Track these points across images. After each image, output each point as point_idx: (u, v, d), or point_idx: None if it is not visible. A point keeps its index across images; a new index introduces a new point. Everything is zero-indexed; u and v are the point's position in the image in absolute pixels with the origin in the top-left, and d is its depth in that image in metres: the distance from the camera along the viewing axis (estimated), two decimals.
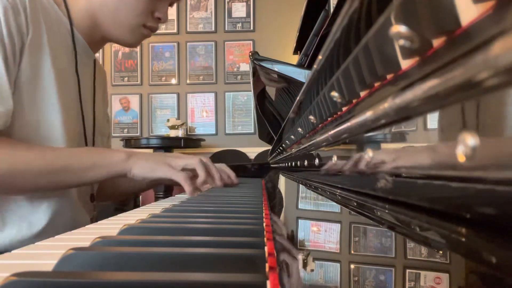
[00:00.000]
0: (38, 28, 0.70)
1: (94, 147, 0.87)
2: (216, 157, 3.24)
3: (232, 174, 0.94)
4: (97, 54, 0.94)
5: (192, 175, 0.79)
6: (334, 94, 0.26)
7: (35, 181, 0.67)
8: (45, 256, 0.29)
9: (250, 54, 0.97)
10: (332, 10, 0.73)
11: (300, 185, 0.59)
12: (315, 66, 0.31)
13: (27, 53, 0.68)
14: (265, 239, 0.28)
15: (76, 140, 0.80)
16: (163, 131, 3.43)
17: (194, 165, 0.79)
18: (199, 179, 0.79)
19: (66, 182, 0.70)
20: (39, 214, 0.72)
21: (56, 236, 0.37)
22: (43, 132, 0.72)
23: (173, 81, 3.51)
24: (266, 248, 0.25)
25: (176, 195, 0.94)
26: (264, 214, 0.42)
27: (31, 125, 0.70)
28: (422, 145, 0.16)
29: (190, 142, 3.23)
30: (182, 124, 3.33)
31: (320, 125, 0.36)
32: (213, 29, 3.51)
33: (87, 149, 0.78)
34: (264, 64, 0.89)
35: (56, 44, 0.74)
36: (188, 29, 3.52)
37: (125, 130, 3.53)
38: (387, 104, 0.17)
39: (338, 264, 0.27)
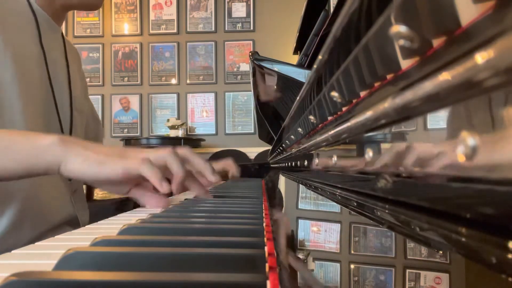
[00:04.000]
0: None
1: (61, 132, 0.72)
2: (216, 157, 3.24)
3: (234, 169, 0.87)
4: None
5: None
6: (334, 94, 0.26)
7: None
8: (45, 256, 0.29)
9: (250, 54, 0.97)
10: (332, 10, 0.73)
11: (300, 185, 0.59)
12: (315, 66, 0.31)
13: None
14: (265, 239, 0.28)
15: (45, 123, 0.73)
16: (163, 131, 3.43)
17: (164, 157, 0.55)
18: (175, 178, 0.55)
19: None
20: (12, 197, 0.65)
21: (56, 236, 0.37)
22: (6, 120, 0.64)
23: (173, 81, 3.51)
24: (266, 248, 0.25)
25: (176, 195, 0.94)
26: (264, 214, 0.42)
27: None
28: (422, 145, 0.16)
29: (190, 142, 3.24)
30: (182, 124, 3.33)
31: (320, 125, 0.36)
32: (213, 29, 3.51)
33: (5, 131, 0.57)
34: (264, 64, 0.89)
35: (9, 20, 0.68)
36: (188, 29, 3.52)
37: (125, 130, 3.53)
38: (387, 104, 0.17)
39: (338, 264, 0.27)
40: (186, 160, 0.59)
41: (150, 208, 0.57)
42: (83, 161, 0.51)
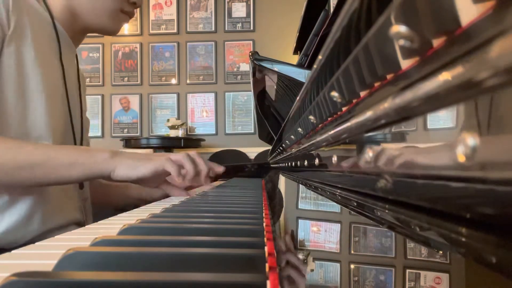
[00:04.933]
0: (21, 19, 0.70)
1: (79, 145, 0.85)
2: (216, 157, 3.24)
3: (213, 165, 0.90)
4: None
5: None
6: (334, 94, 0.26)
7: (10, 174, 0.64)
8: (45, 256, 0.29)
9: (250, 54, 0.97)
10: (332, 10, 0.73)
11: (300, 185, 0.59)
12: (315, 66, 0.31)
13: (9, 45, 0.68)
14: (265, 239, 0.28)
15: (62, 133, 0.79)
16: (163, 131, 3.43)
17: (180, 160, 0.76)
18: (188, 175, 0.76)
19: (44, 178, 0.67)
20: (23, 200, 0.71)
21: (56, 236, 0.37)
22: (29, 124, 0.71)
23: (173, 81, 3.51)
24: (266, 248, 0.25)
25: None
26: (264, 214, 0.42)
27: (15, 116, 0.70)
28: (422, 145, 0.16)
29: (190, 142, 3.24)
30: (182, 124, 3.33)
31: (320, 125, 0.36)
32: (213, 29, 3.51)
33: (69, 146, 0.76)
34: (264, 64, 0.89)
35: (39, 35, 0.74)
36: (188, 29, 3.52)
37: (125, 130, 3.53)
38: (387, 104, 0.17)
39: (338, 264, 0.27)
40: (195, 161, 0.79)
41: (174, 196, 0.83)
42: (126, 167, 0.71)
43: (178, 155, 0.77)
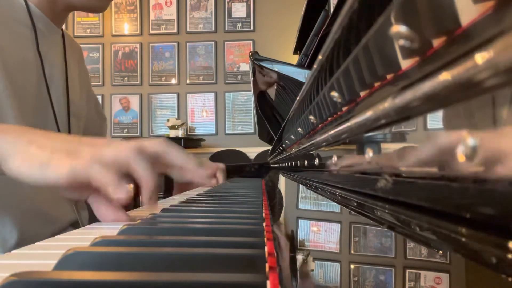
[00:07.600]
0: None
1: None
2: (216, 157, 3.24)
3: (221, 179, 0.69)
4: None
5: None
6: (334, 94, 0.26)
7: None
8: (45, 256, 0.29)
9: (250, 54, 0.97)
10: (332, 10, 0.73)
11: (300, 185, 0.59)
12: (315, 66, 0.31)
13: None
14: (265, 239, 0.28)
15: (38, 127, 0.67)
16: (163, 131, 3.43)
17: (125, 160, 0.40)
18: (144, 185, 0.42)
19: None
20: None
21: (56, 236, 0.37)
22: None
23: (173, 81, 3.52)
24: (266, 248, 0.25)
25: (175, 195, 0.93)
26: (264, 214, 0.42)
27: None
28: (422, 145, 0.16)
29: (190, 142, 3.24)
30: (182, 124, 3.33)
31: (320, 125, 0.36)
32: (213, 29, 3.51)
33: None
34: (264, 64, 0.89)
35: (3, 29, 0.65)
36: (188, 29, 3.52)
37: (125, 130, 3.53)
38: (387, 104, 0.17)
39: (338, 264, 0.27)
40: (158, 157, 0.46)
41: (106, 223, 0.43)
42: (22, 160, 0.40)
43: (122, 153, 0.40)
